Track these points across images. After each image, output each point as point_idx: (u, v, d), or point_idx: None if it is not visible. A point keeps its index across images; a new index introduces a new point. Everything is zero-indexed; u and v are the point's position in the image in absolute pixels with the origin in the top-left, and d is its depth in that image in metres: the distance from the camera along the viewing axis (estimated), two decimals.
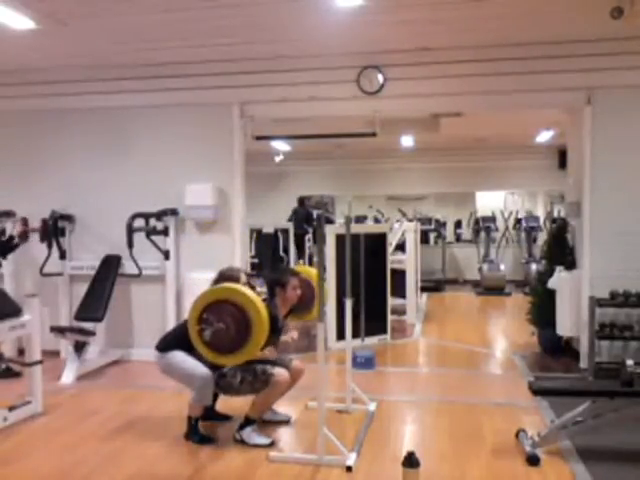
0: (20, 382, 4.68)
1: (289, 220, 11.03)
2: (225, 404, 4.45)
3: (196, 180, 6.03)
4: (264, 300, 3.91)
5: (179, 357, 4.01)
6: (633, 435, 3.93)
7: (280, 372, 3.93)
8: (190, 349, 3.96)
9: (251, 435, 3.93)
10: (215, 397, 4.33)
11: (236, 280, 4.07)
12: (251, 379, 3.92)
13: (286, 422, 4.33)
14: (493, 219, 12.50)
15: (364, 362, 5.76)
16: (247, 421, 3.98)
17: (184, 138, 6.24)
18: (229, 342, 3.61)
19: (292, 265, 10.56)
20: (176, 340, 4.08)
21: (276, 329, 3.91)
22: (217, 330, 3.60)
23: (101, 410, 4.71)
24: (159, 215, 6.08)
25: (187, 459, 3.80)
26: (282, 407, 4.48)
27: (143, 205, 6.03)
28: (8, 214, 6.39)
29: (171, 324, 6.10)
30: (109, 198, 6.30)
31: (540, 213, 13.17)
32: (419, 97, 5.95)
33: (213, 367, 3.94)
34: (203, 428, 4.10)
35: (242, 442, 3.91)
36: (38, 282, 6.27)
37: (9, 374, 5.41)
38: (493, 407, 4.68)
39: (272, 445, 3.89)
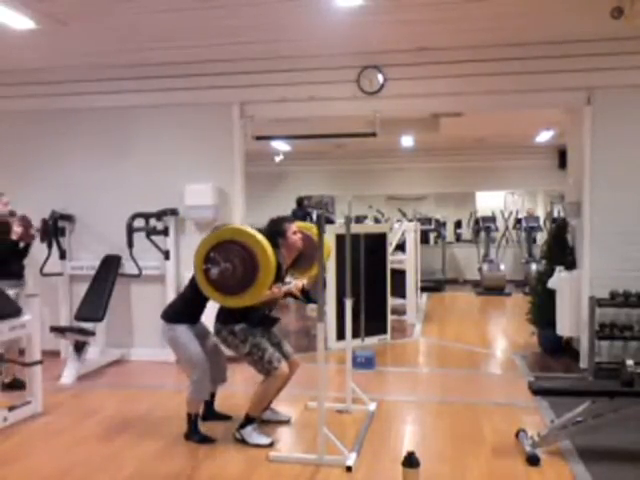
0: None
1: None
2: (225, 404, 4.45)
3: (196, 180, 6.03)
4: None
5: (186, 337, 4.00)
6: (633, 435, 3.92)
7: (283, 368, 3.92)
8: (195, 320, 4.05)
9: (252, 434, 3.93)
10: (212, 396, 4.35)
11: None
12: (257, 359, 3.89)
13: (286, 422, 4.33)
14: (493, 219, 12.51)
15: (364, 362, 5.76)
16: (247, 420, 3.98)
17: (184, 138, 6.24)
18: (236, 282, 3.58)
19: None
20: (182, 309, 4.10)
21: (279, 277, 3.89)
22: (224, 270, 3.56)
23: (101, 410, 4.71)
24: (159, 215, 6.08)
25: (187, 459, 3.80)
26: (282, 407, 4.48)
27: (143, 205, 6.03)
28: (8, 214, 6.39)
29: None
30: (109, 198, 6.30)
31: (540, 213, 13.17)
32: (419, 97, 5.95)
33: (226, 319, 3.92)
34: (203, 428, 4.10)
35: (242, 441, 3.91)
36: (38, 282, 6.26)
37: (16, 385, 5.10)
38: (493, 407, 4.68)
39: (272, 445, 3.89)
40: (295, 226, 4.15)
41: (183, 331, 4.01)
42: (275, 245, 3.88)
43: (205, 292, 3.74)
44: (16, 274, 5.25)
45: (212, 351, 4.19)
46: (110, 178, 6.34)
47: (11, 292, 4.90)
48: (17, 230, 5.21)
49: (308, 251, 4.26)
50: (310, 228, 4.42)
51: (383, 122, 6.29)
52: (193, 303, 4.10)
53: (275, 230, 4.06)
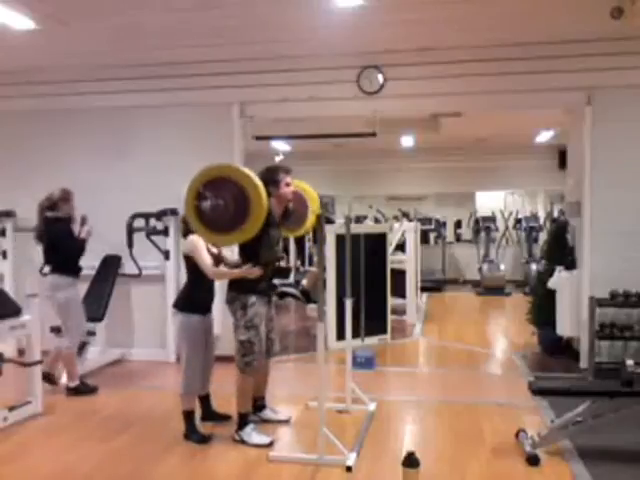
0: (20, 382, 4.66)
1: None
2: (225, 404, 4.45)
3: None
4: None
5: (192, 331, 4.04)
6: (633, 435, 3.93)
7: (252, 376, 3.98)
8: (205, 310, 4.12)
9: (251, 434, 3.93)
10: (208, 396, 4.35)
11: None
12: (242, 352, 3.89)
13: (286, 422, 4.33)
14: (493, 219, 12.52)
15: (364, 362, 5.76)
16: (241, 418, 3.97)
17: (184, 138, 6.23)
18: (227, 220, 3.53)
19: (291, 265, 10.57)
20: (190, 298, 4.11)
21: (270, 223, 3.83)
22: (215, 206, 3.52)
23: (101, 410, 4.71)
24: (159, 215, 6.08)
25: (187, 459, 3.80)
26: (282, 407, 4.49)
27: (143, 205, 6.02)
28: (8, 214, 6.40)
29: (171, 324, 6.11)
30: (109, 198, 6.29)
31: (540, 213, 13.17)
32: (419, 97, 5.95)
33: (239, 287, 3.88)
34: (203, 428, 4.11)
35: (242, 442, 3.91)
36: (38, 282, 6.25)
37: (82, 390, 5.14)
38: (493, 407, 4.68)
39: (272, 444, 3.89)
40: (290, 178, 4.07)
41: (191, 324, 4.03)
42: (267, 193, 3.76)
43: (196, 229, 3.67)
44: (79, 271, 5.30)
45: (210, 349, 4.21)
46: (110, 178, 6.34)
47: (74, 290, 5.12)
48: (86, 229, 5.25)
49: (299, 210, 4.23)
50: (305, 188, 4.37)
51: (383, 122, 6.28)
52: (196, 286, 4.07)
53: (270, 177, 3.95)
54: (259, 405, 4.31)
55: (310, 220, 4.45)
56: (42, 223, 5.06)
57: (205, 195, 3.53)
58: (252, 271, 3.82)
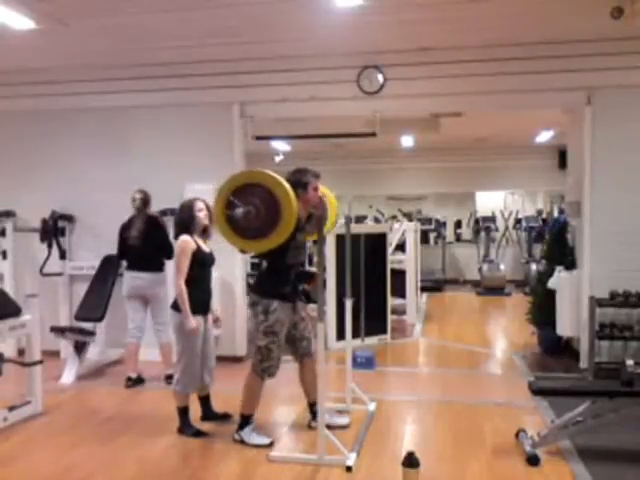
0: (20, 382, 4.67)
1: None
2: (224, 404, 4.45)
3: (196, 180, 6.01)
4: None
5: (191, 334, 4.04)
6: (633, 435, 3.92)
7: (265, 381, 3.95)
8: (206, 309, 4.18)
9: (251, 435, 3.93)
10: (207, 397, 4.36)
11: (191, 207, 4.14)
12: (259, 357, 3.86)
13: (344, 427, 4.18)
14: (493, 219, 12.51)
15: (364, 362, 5.76)
16: (243, 419, 3.96)
17: (184, 138, 6.23)
18: (259, 226, 3.51)
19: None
20: (188, 299, 4.07)
21: (297, 226, 3.73)
22: (247, 213, 3.50)
23: (101, 410, 4.71)
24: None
25: (187, 459, 3.81)
26: (282, 407, 4.49)
27: None
28: (8, 214, 6.40)
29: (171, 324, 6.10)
30: (109, 198, 6.29)
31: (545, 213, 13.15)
32: (419, 97, 5.95)
33: (264, 291, 3.86)
34: (203, 428, 4.11)
35: (242, 442, 3.91)
36: (38, 282, 6.27)
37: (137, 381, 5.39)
38: (493, 407, 4.68)
39: (272, 445, 3.89)
40: (319, 183, 4.01)
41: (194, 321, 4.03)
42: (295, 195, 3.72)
43: (227, 239, 3.64)
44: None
45: (209, 350, 4.21)
46: (110, 178, 6.33)
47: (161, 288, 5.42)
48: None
49: (318, 215, 4.12)
50: (325, 192, 4.32)
51: (383, 122, 6.28)
52: (194, 286, 4.06)
53: (299, 179, 3.87)
54: (315, 411, 4.02)
55: (327, 226, 4.38)
56: (145, 222, 5.37)
57: (236, 203, 3.52)
58: (189, 322, 3.92)
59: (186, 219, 4.15)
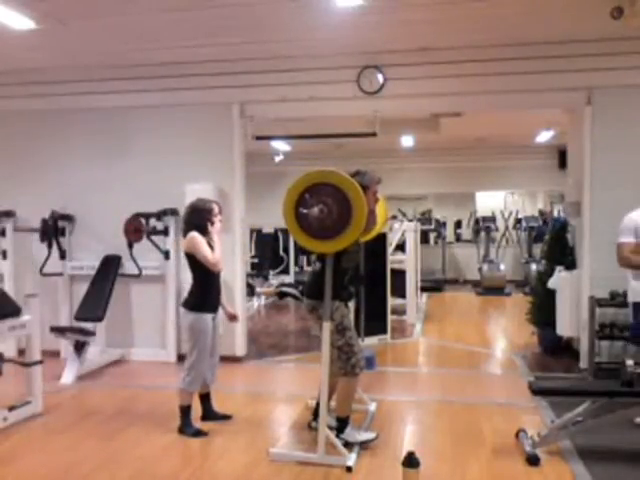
0: (20, 382, 4.66)
1: None
2: (224, 404, 4.45)
3: (196, 180, 6.02)
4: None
5: (202, 331, 4.04)
6: (633, 435, 3.93)
7: (360, 375, 3.87)
8: (215, 308, 4.11)
9: (355, 434, 3.86)
10: (208, 396, 4.35)
11: (209, 210, 4.12)
12: (344, 358, 3.78)
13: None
14: (493, 219, 12.51)
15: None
16: (342, 422, 3.88)
17: (184, 138, 6.23)
18: (330, 225, 3.50)
19: (291, 266, 10.58)
20: (200, 297, 4.09)
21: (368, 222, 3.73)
22: (321, 211, 3.49)
23: (101, 410, 4.71)
24: (159, 215, 6.09)
25: (187, 459, 3.81)
26: (282, 407, 4.48)
27: (143, 205, 6.03)
28: (8, 214, 6.40)
29: (171, 324, 6.11)
30: (109, 198, 6.30)
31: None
32: (419, 97, 5.95)
33: (322, 295, 3.71)
34: (203, 428, 4.11)
35: (347, 444, 3.75)
36: (38, 282, 6.27)
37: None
38: (493, 407, 4.67)
39: (377, 438, 3.87)
40: (377, 188, 4.00)
41: (202, 325, 4.03)
42: None
43: (297, 239, 3.62)
44: None
45: (213, 347, 4.21)
46: (110, 178, 6.34)
47: None
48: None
49: (370, 221, 4.05)
50: (380, 201, 4.30)
51: (383, 122, 6.28)
52: (204, 284, 4.07)
53: (360, 181, 3.80)
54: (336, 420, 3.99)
55: (371, 234, 4.34)
56: None
57: (309, 202, 3.51)
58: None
59: (203, 224, 4.10)
